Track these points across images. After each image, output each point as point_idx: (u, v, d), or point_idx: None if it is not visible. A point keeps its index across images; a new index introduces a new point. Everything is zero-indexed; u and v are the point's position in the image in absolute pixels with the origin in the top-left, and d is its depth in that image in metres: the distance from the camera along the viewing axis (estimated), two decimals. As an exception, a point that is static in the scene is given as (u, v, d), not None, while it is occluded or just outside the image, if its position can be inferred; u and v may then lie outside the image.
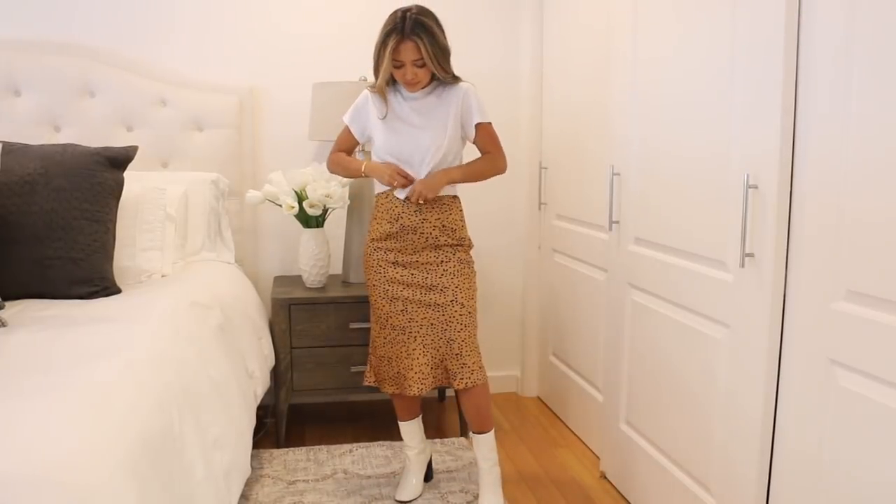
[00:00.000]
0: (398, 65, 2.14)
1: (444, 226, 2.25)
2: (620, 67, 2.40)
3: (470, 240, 2.33)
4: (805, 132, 1.58)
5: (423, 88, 2.22)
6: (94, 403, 1.35)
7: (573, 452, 2.84)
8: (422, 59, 2.12)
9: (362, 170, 2.30)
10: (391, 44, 2.10)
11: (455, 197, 2.30)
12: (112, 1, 2.97)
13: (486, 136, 2.29)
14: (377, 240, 2.28)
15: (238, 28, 3.09)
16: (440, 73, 2.16)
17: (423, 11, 2.14)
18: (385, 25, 2.13)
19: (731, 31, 1.80)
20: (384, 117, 2.24)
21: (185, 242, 2.74)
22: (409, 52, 2.11)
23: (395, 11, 2.13)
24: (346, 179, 2.79)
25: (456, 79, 2.24)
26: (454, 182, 2.25)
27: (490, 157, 2.32)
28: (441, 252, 2.26)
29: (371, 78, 2.27)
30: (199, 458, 1.61)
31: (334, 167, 2.41)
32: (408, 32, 2.08)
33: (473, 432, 2.31)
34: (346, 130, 2.36)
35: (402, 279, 2.26)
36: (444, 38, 2.17)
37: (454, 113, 2.23)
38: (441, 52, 2.14)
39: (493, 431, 2.31)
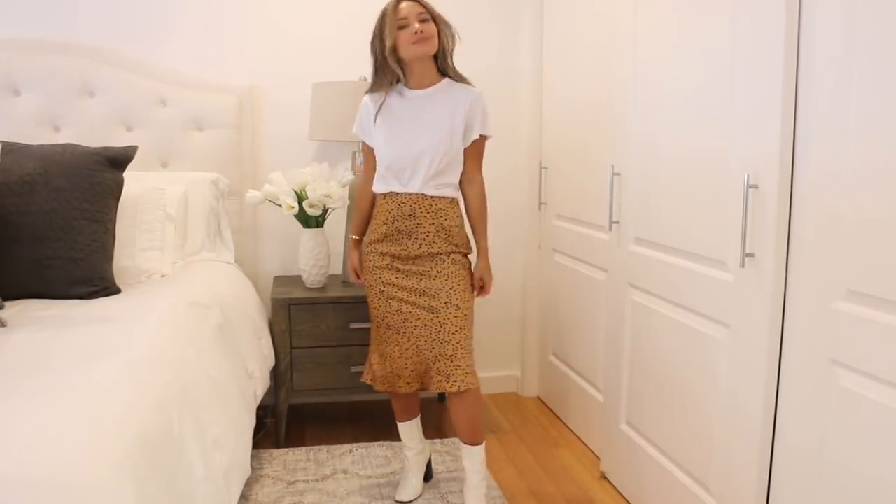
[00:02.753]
0: (403, 24, 2.10)
1: (440, 229, 2.20)
2: (621, 67, 2.39)
3: (468, 243, 2.28)
4: (805, 132, 1.58)
5: (429, 85, 2.19)
6: (94, 404, 1.34)
7: (573, 452, 2.84)
8: (426, 12, 2.11)
9: (346, 244, 2.32)
10: (390, 7, 2.10)
11: (453, 200, 2.24)
12: (112, 1, 2.97)
13: (477, 152, 2.25)
14: (374, 241, 2.26)
15: (238, 28, 3.08)
16: (445, 39, 2.15)
17: None
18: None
19: (731, 32, 1.80)
20: (378, 111, 2.19)
21: (184, 242, 2.73)
22: (411, 7, 2.10)
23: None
24: (345, 179, 2.79)
25: (462, 78, 2.22)
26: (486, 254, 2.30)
27: (476, 193, 2.27)
28: (437, 256, 2.21)
29: (369, 78, 2.26)
30: (199, 458, 1.61)
31: (358, 198, 2.38)
32: None
33: (464, 443, 2.24)
34: (365, 144, 2.31)
35: (397, 281, 2.22)
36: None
37: (461, 113, 2.18)
38: (441, 19, 2.16)
39: (484, 444, 2.25)
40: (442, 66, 2.21)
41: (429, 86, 2.20)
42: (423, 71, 2.19)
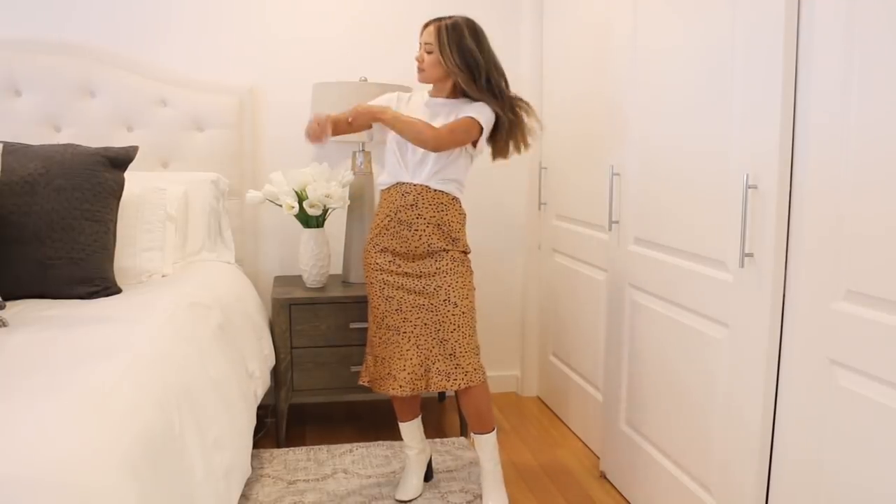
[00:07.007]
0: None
1: (439, 224, 2.23)
2: (620, 67, 2.40)
3: (466, 244, 2.30)
4: (805, 132, 1.58)
5: (443, 96, 2.25)
6: (95, 404, 1.35)
7: (573, 452, 2.85)
8: (432, 44, 2.18)
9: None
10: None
11: (455, 198, 2.27)
12: (112, 1, 2.97)
13: (456, 122, 2.16)
14: (375, 237, 2.29)
15: (238, 28, 3.09)
16: (451, 65, 2.15)
17: (468, 21, 2.20)
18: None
19: (731, 31, 1.80)
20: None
21: (185, 242, 2.74)
22: (427, 35, 2.19)
23: None
24: (346, 179, 2.79)
25: (482, 97, 2.19)
26: (379, 119, 2.15)
27: (428, 126, 2.14)
28: (435, 253, 2.24)
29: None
30: (199, 458, 1.61)
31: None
32: (435, 19, 2.19)
33: (474, 433, 2.31)
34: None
35: (396, 280, 2.25)
36: (475, 45, 2.16)
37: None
38: (457, 49, 2.14)
39: (494, 431, 2.30)
40: (462, 91, 2.23)
41: (442, 97, 2.27)
42: (440, 87, 2.27)
